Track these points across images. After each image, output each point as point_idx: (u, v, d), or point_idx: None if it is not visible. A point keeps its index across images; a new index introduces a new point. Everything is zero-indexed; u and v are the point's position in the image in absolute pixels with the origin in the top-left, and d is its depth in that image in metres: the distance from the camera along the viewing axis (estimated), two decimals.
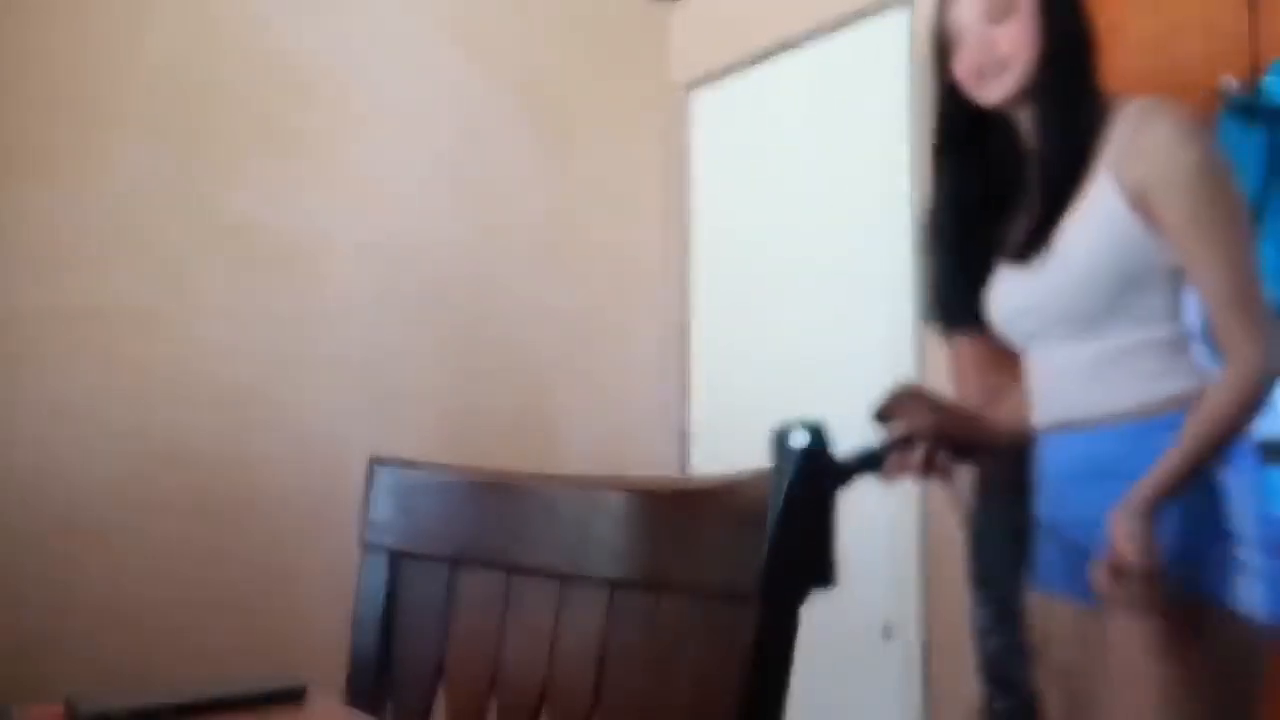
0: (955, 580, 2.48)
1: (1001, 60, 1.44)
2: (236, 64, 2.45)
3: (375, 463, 1.07)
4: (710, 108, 3.30)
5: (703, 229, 3.25)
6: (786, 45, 3.02)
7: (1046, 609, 1.43)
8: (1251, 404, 1.29)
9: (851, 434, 2.40)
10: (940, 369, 2.55)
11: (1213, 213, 1.32)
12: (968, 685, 2.32)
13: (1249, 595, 1.28)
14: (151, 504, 1.74)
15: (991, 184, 1.50)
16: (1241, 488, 1.32)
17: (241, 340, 2.45)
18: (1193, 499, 1.29)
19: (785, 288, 2.91)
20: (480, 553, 0.96)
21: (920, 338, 2.63)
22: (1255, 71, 2.08)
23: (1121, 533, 1.24)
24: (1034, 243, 1.39)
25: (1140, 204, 1.34)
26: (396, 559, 1.02)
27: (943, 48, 1.50)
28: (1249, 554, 1.29)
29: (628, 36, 3.29)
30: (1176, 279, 1.35)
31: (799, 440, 0.86)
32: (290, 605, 2.41)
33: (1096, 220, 1.37)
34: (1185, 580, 1.26)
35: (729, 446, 3.02)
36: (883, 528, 2.65)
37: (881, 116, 2.75)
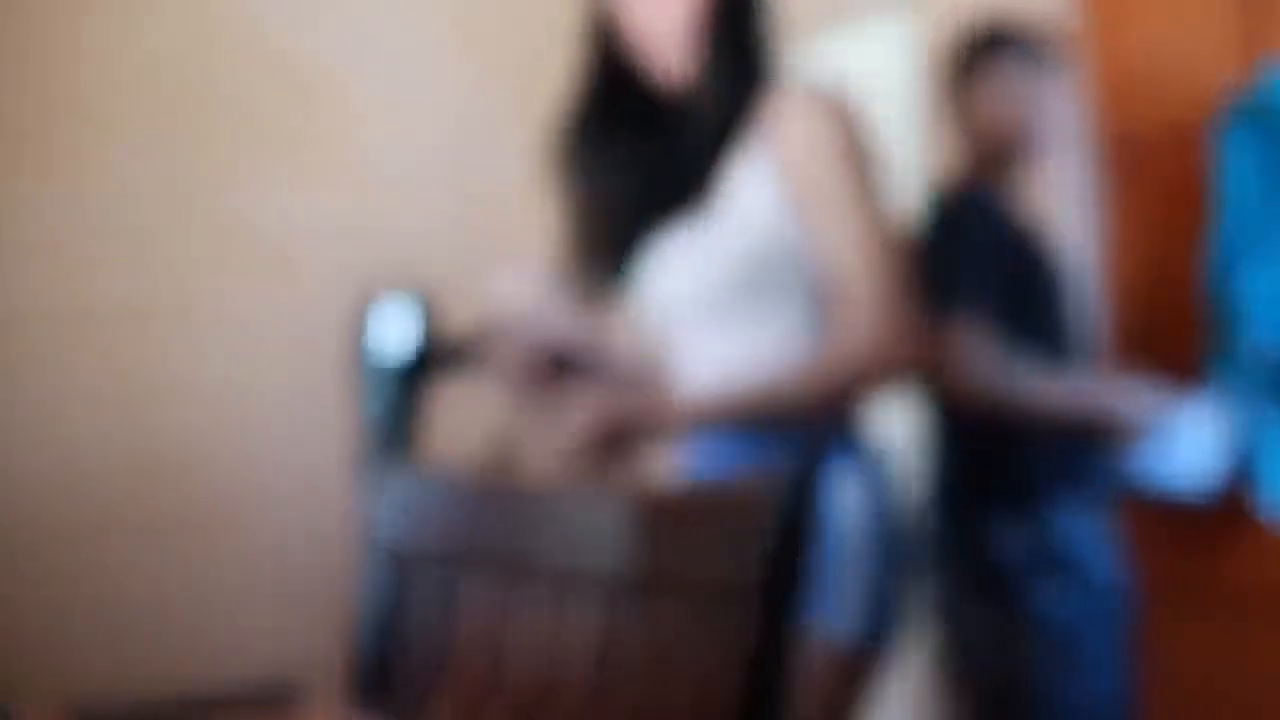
0: None
1: (667, 29, 1.36)
2: (236, 65, 2.44)
3: (376, 463, 1.07)
4: None
5: None
6: (787, 46, 3.02)
7: None
8: (852, 375, 1.26)
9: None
10: None
11: (854, 200, 1.31)
12: None
13: (835, 612, 1.24)
14: (152, 504, 1.74)
15: (639, 144, 1.42)
16: (846, 498, 1.24)
17: (241, 340, 2.45)
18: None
19: None
20: (481, 553, 0.96)
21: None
22: (1254, 72, 2.08)
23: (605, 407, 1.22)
24: (687, 202, 1.33)
25: (789, 189, 1.31)
26: (397, 559, 1.02)
27: (604, 18, 1.41)
28: (840, 569, 1.24)
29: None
30: (813, 295, 1.32)
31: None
32: (290, 605, 2.40)
33: (750, 201, 1.33)
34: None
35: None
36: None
37: (883, 116, 2.75)
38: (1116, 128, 2.31)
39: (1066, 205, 2.35)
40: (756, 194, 1.33)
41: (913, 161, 2.65)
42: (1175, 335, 2.18)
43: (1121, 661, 1.77)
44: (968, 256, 1.77)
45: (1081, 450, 1.81)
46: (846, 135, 1.36)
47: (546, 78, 3.13)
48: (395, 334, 1.21)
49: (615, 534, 0.84)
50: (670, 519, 0.81)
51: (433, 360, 1.21)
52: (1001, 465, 1.80)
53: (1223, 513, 2.10)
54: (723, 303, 1.34)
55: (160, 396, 2.31)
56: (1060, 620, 1.72)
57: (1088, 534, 1.79)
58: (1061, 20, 2.39)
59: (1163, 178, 2.23)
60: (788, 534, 0.68)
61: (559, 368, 1.29)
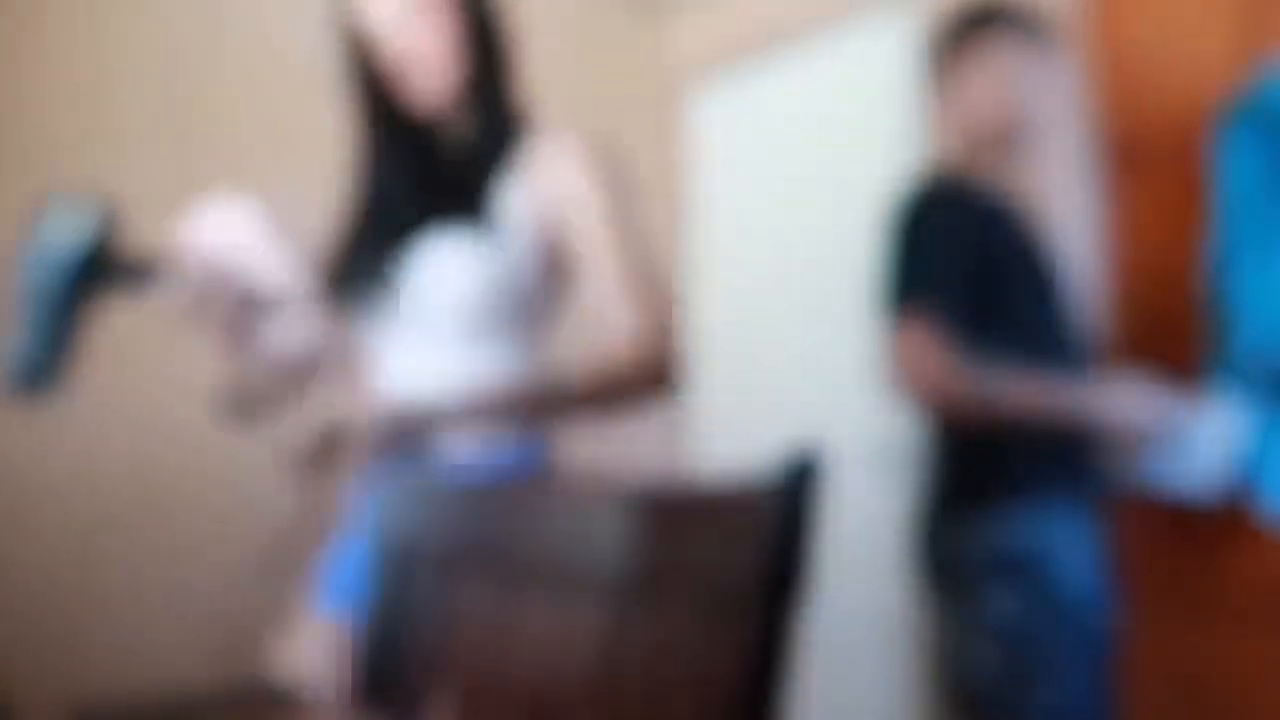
0: None
1: (425, 56, 1.40)
2: (236, 66, 2.45)
3: (376, 463, 1.07)
4: (710, 109, 3.30)
5: (703, 229, 3.25)
6: (788, 46, 3.02)
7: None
8: (626, 376, 1.35)
9: (850, 432, 2.41)
10: None
11: (614, 222, 1.39)
12: None
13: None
14: (152, 504, 1.74)
15: (399, 167, 1.45)
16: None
17: None
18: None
19: (786, 288, 2.91)
20: (480, 555, 0.96)
21: None
22: (1254, 72, 2.08)
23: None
24: (452, 219, 1.38)
25: (549, 229, 1.39)
26: (395, 559, 1.02)
27: (360, 40, 1.44)
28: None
29: (628, 37, 3.29)
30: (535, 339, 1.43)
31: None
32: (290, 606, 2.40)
33: (515, 228, 1.39)
34: None
35: (730, 446, 3.03)
36: (882, 527, 2.65)
37: (883, 116, 2.75)
38: (1117, 127, 2.31)
39: (1067, 204, 2.35)
40: (521, 222, 1.40)
41: (911, 162, 2.65)
42: (1175, 335, 2.18)
43: (1085, 673, 1.67)
44: (923, 252, 1.73)
45: (1055, 451, 1.74)
46: (611, 176, 1.42)
47: (546, 79, 3.14)
48: (64, 241, 1.16)
49: (615, 535, 0.84)
50: (670, 520, 0.81)
51: (100, 274, 1.16)
52: (962, 464, 1.76)
53: (1223, 515, 2.10)
54: (472, 319, 1.39)
55: (162, 395, 2.31)
56: (1013, 626, 1.64)
57: (1053, 538, 1.69)
58: (1062, 20, 2.39)
59: (1163, 177, 2.23)
60: (787, 534, 0.68)
61: (253, 315, 1.26)
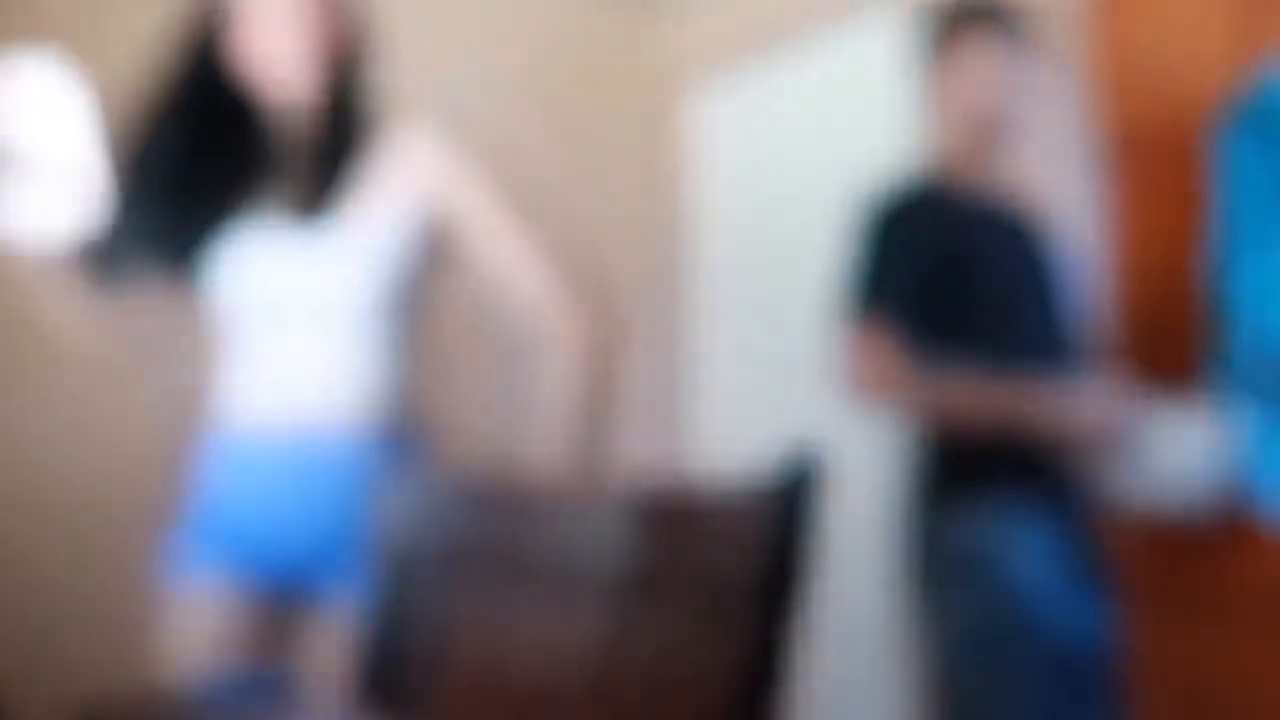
0: None
1: (285, 55, 1.42)
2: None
3: (374, 462, 1.07)
4: (709, 109, 3.30)
5: (702, 229, 3.25)
6: (787, 46, 3.02)
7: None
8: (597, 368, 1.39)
9: (850, 433, 2.41)
10: None
11: (507, 218, 1.45)
12: None
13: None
14: (152, 503, 1.74)
15: (226, 152, 1.46)
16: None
17: None
18: None
19: (785, 288, 2.91)
20: (480, 554, 0.96)
21: None
22: (1255, 71, 2.08)
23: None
24: (312, 214, 1.39)
25: (421, 221, 1.43)
26: (396, 559, 1.02)
27: (213, 14, 1.47)
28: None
29: (628, 37, 3.29)
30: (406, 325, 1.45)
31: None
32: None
33: (380, 227, 1.42)
34: None
35: (730, 446, 3.03)
36: (881, 528, 2.65)
37: (882, 116, 2.75)
38: (1118, 127, 2.31)
39: (1066, 203, 2.35)
40: (387, 221, 1.43)
41: (910, 162, 2.65)
42: (1175, 335, 2.18)
43: (1044, 675, 1.63)
44: (878, 259, 1.75)
45: (1011, 454, 1.72)
46: (475, 166, 1.48)
47: (545, 78, 3.14)
48: None
49: (615, 535, 0.84)
50: (670, 521, 0.81)
51: None
52: (926, 467, 1.77)
53: (1221, 514, 2.10)
54: (344, 314, 1.41)
55: (155, 395, 2.31)
56: (967, 627, 1.64)
57: (1007, 540, 1.67)
58: (1063, 19, 2.39)
59: (1163, 177, 2.23)
60: (787, 536, 0.68)
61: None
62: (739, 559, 0.71)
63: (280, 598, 1.62)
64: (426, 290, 1.48)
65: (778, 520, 0.68)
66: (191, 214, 1.46)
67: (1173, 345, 2.18)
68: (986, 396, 1.68)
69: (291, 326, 1.45)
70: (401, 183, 1.45)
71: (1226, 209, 1.99)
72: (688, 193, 3.33)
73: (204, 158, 1.46)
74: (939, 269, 1.73)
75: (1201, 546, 2.15)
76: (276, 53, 1.42)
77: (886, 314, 1.68)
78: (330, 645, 1.63)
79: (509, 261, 1.43)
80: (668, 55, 3.39)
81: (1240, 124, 2.00)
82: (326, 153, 1.46)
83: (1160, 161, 2.22)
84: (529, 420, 1.35)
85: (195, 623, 1.56)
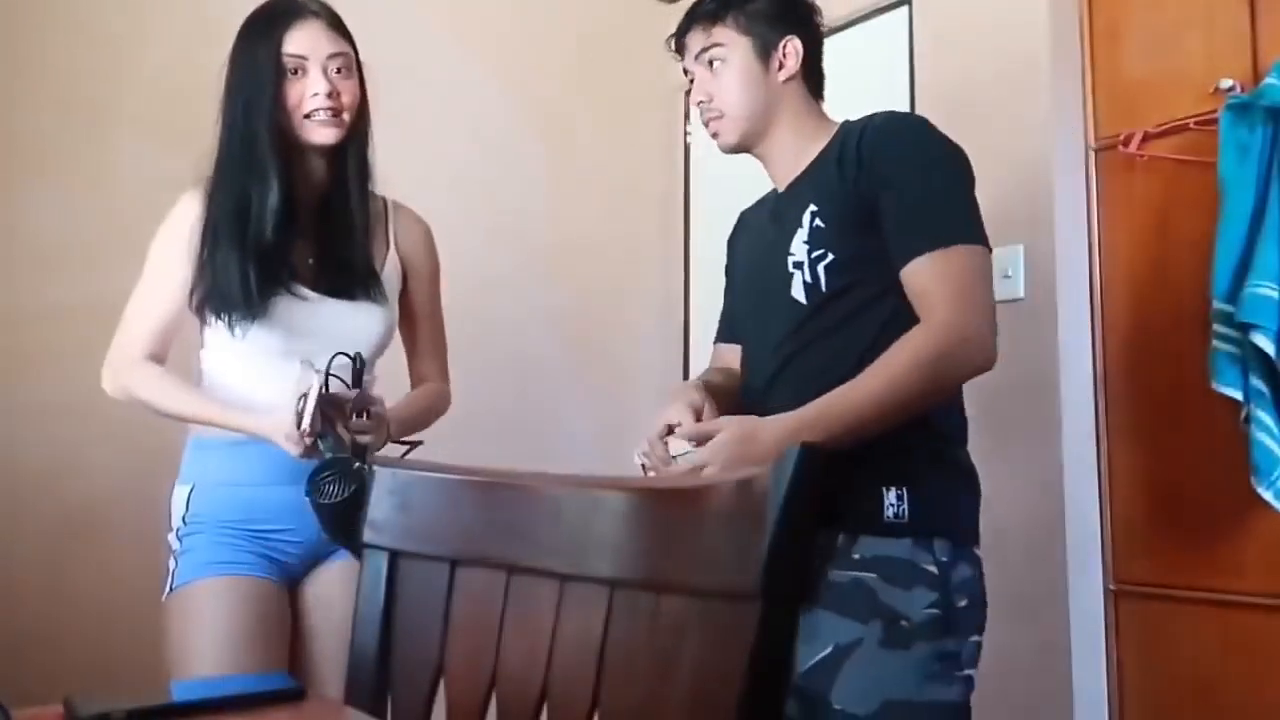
0: None
1: (341, 104, 1.66)
2: None
3: (374, 463, 1.07)
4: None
5: (702, 229, 3.25)
6: None
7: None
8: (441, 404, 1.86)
9: None
10: None
11: (436, 296, 1.87)
12: None
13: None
14: (151, 503, 1.74)
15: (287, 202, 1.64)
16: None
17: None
18: None
19: None
20: (479, 551, 0.96)
21: None
22: (1255, 71, 2.08)
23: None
24: (359, 285, 1.70)
25: (405, 273, 1.81)
26: (395, 558, 1.02)
27: (281, 68, 1.63)
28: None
29: (628, 37, 3.29)
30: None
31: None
32: None
33: (388, 283, 1.76)
34: None
35: None
36: None
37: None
38: (1118, 127, 2.30)
39: (1063, 202, 2.35)
40: (391, 278, 1.77)
41: None
42: (1175, 334, 2.18)
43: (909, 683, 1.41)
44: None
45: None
46: (433, 240, 1.87)
47: (547, 78, 3.14)
48: None
49: (615, 534, 0.84)
50: (670, 519, 0.80)
51: None
52: None
53: (1220, 509, 2.10)
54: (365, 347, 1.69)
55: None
56: (835, 634, 1.42)
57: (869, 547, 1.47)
58: (1063, 18, 2.39)
59: (1163, 177, 2.23)
60: (787, 534, 0.68)
61: None
62: (739, 558, 0.71)
63: (283, 593, 1.64)
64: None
65: (777, 516, 0.68)
66: (259, 263, 1.62)
67: (1173, 344, 2.18)
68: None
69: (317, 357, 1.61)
70: (396, 246, 1.80)
71: (1226, 208, 1.99)
72: (689, 191, 3.33)
73: (267, 211, 1.63)
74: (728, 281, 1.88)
75: (1200, 537, 2.14)
76: (332, 101, 1.64)
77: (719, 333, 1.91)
78: (329, 642, 1.64)
79: (425, 338, 1.86)
80: (669, 55, 3.39)
81: (1240, 122, 1.99)
82: (356, 222, 1.72)
83: (1161, 161, 2.22)
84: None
85: (200, 620, 1.56)
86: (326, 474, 1.50)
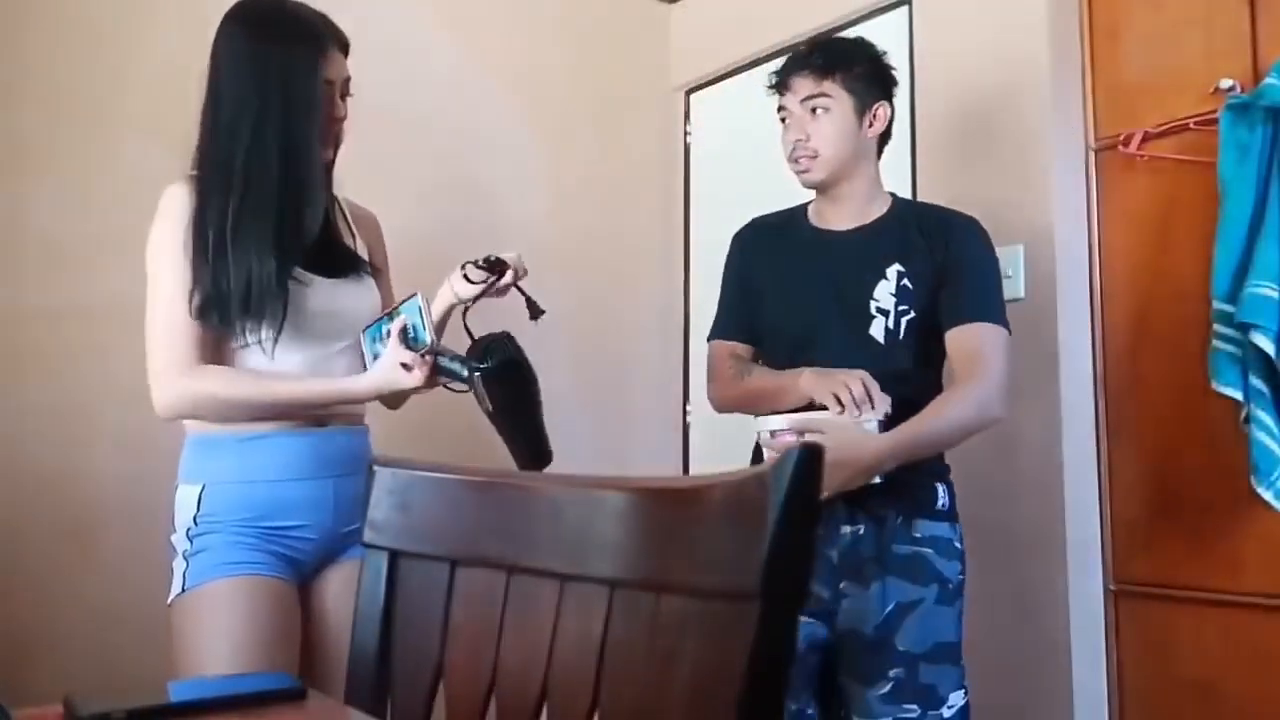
0: None
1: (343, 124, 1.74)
2: None
3: (374, 462, 1.07)
4: (709, 108, 3.30)
5: (702, 229, 3.25)
6: (786, 46, 3.02)
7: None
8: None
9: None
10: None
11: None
12: (968, 685, 2.31)
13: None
14: (152, 503, 1.74)
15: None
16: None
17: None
18: None
19: None
20: (479, 551, 0.96)
21: None
22: (1255, 71, 2.08)
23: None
24: (348, 265, 1.75)
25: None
26: (395, 558, 1.02)
27: (325, 90, 1.71)
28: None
29: (628, 36, 3.29)
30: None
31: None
32: None
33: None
34: None
35: (729, 441, 3.02)
36: None
37: None
38: (1118, 127, 2.30)
39: (1064, 203, 2.35)
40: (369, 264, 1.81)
41: (912, 162, 2.65)
42: (1175, 334, 2.18)
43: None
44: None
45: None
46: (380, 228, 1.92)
47: (547, 78, 3.13)
48: None
49: (615, 534, 0.84)
50: (670, 519, 0.80)
51: None
52: None
53: (1220, 509, 2.10)
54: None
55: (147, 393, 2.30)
56: (900, 594, 1.83)
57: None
58: (1063, 18, 2.39)
59: (1163, 177, 2.23)
60: (787, 534, 0.68)
61: None
62: (739, 558, 0.70)
63: (296, 591, 1.63)
64: None
65: (778, 515, 0.68)
66: (275, 264, 1.63)
67: (1172, 344, 2.18)
68: (765, 384, 1.95)
69: (313, 344, 1.67)
70: (356, 237, 1.84)
71: (1227, 208, 1.99)
72: (689, 191, 3.33)
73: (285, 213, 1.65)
74: (743, 288, 2.09)
75: (1199, 536, 2.14)
76: (340, 127, 1.73)
77: (716, 336, 2.12)
78: (340, 643, 1.64)
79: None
80: (669, 55, 3.38)
81: (1240, 121, 1.99)
82: (331, 215, 1.76)
83: (1161, 161, 2.22)
84: None
85: (216, 622, 1.56)
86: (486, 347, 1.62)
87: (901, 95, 2.70)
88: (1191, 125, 2.15)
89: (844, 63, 1.92)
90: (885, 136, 1.98)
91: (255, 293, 1.59)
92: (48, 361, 2.27)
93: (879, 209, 1.96)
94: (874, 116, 1.93)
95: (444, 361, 1.59)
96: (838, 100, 1.90)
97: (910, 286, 1.88)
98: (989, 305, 1.87)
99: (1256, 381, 1.91)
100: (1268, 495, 1.90)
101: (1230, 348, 1.95)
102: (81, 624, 2.23)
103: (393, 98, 2.68)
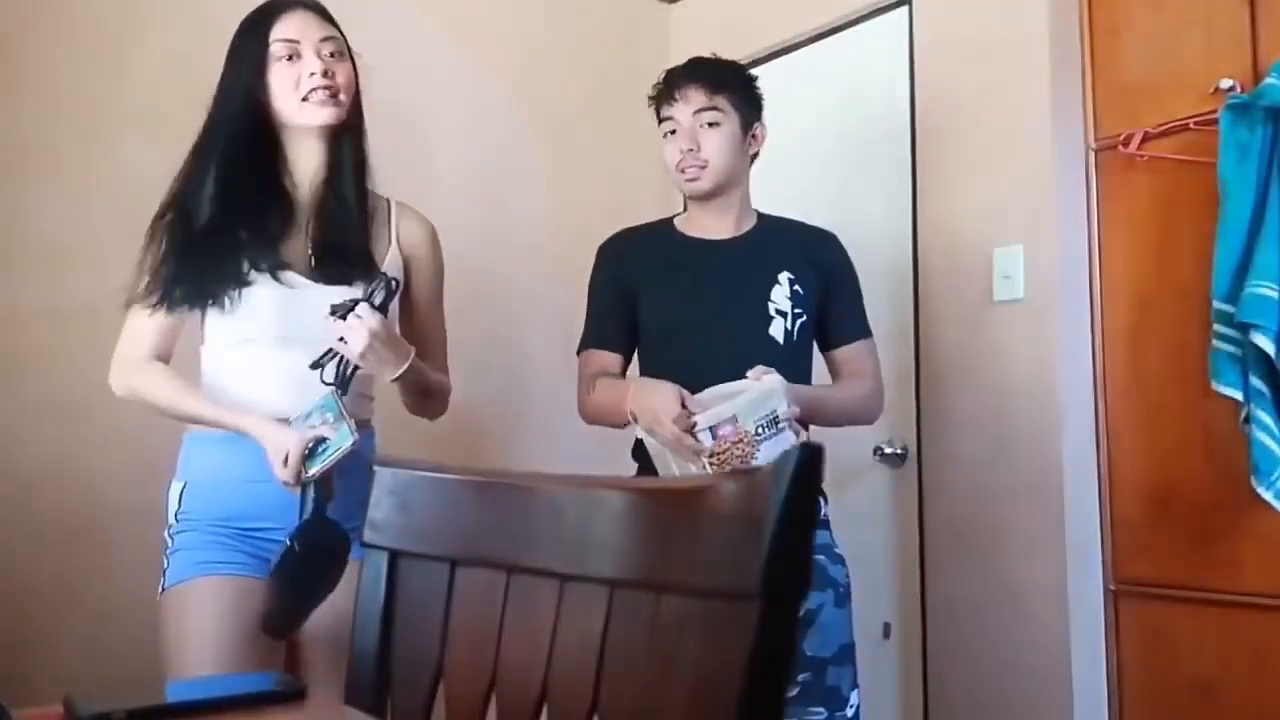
0: (955, 580, 2.48)
1: (338, 85, 1.68)
2: None
3: (375, 462, 1.07)
4: None
5: None
6: (786, 46, 3.02)
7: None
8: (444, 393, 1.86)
9: (848, 430, 2.39)
10: (947, 355, 2.55)
11: (440, 294, 1.88)
12: (968, 685, 2.31)
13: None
14: (151, 502, 1.74)
15: (260, 195, 1.69)
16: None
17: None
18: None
19: None
20: (479, 552, 0.96)
21: (921, 329, 2.62)
22: (1255, 71, 2.08)
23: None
24: (354, 271, 1.68)
25: (407, 267, 1.80)
26: (395, 558, 1.02)
27: (265, 57, 1.67)
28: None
29: (628, 36, 3.29)
30: None
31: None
32: None
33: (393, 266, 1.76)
34: None
35: None
36: (884, 528, 2.65)
37: (881, 116, 2.75)
38: (1118, 127, 2.30)
39: (1063, 203, 2.34)
40: (391, 272, 1.73)
41: (914, 160, 2.65)
42: (1175, 334, 2.18)
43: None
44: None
45: None
46: (437, 240, 1.87)
47: (547, 77, 3.13)
48: None
49: (615, 534, 0.84)
50: (670, 519, 0.80)
51: None
52: None
53: (1220, 509, 2.10)
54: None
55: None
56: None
57: None
58: (1063, 18, 2.39)
59: (1163, 177, 2.23)
60: (787, 534, 0.68)
61: None
62: (739, 558, 0.70)
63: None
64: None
65: (779, 515, 0.68)
66: (235, 250, 1.65)
67: (1172, 343, 2.18)
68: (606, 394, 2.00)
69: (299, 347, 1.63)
70: (398, 243, 1.80)
71: (1227, 208, 1.99)
72: None
73: (248, 198, 1.66)
74: (619, 299, 2.14)
75: (1199, 536, 2.14)
76: (325, 82, 1.66)
77: (588, 349, 2.17)
78: (320, 644, 1.64)
79: (427, 335, 1.83)
80: (669, 55, 3.39)
81: (1240, 121, 1.99)
82: (338, 189, 1.72)
83: (1161, 161, 2.22)
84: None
85: (190, 620, 1.57)
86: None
87: (901, 95, 2.71)
88: (1191, 125, 2.15)
89: (732, 81, 2.02)
90: (755, 155, 2.09)
91: (201, 268, 1.64)
92: (48, 361, 2.27)
93: (750, 221, 2.07)
94: (753, 136, 2.04)
95: (306, 496, 1.57)
96: (727, 115, 1.99)
97: (801, 292, 2.00)
98: (864, 320, 2.07)
99: (1256, 381, 1.91)
100: (1268, 495, 1.90)
101: (1230, 348, 1.95)
102: (81, 624, 2.23)
103: (391, 97, 2.68)
